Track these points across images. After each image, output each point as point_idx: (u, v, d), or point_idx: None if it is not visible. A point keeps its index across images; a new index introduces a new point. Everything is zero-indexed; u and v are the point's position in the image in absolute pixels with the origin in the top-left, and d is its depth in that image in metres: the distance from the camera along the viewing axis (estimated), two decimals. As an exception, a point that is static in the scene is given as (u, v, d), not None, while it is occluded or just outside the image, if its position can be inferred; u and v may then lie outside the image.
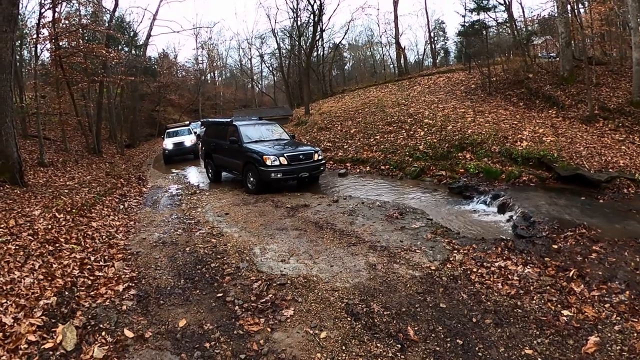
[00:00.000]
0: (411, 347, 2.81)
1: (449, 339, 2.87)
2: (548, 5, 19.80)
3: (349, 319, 3.17)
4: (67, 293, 3.53)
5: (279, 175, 8.36)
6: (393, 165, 10.13)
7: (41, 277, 3.69)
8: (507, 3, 17.27)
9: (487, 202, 7.19)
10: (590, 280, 3.76)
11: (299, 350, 2.82)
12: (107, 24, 15.70)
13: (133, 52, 24.53)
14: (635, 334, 2.85)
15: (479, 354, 2.75)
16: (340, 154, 11.91)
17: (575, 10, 13.99)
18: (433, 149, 10.08)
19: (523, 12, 28.61)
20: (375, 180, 9.67)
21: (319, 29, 23.73)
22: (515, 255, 4.46)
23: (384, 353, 2.78)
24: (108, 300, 3.56)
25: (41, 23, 11.63)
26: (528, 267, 4.11)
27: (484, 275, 3.96)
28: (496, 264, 4.19)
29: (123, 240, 5.59)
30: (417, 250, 4.62)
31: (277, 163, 8.33)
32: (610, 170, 7.92)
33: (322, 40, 29.58)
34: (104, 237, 5.56)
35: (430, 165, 9.64)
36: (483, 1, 15.44)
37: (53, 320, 3.02)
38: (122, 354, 2.79)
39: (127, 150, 19.82)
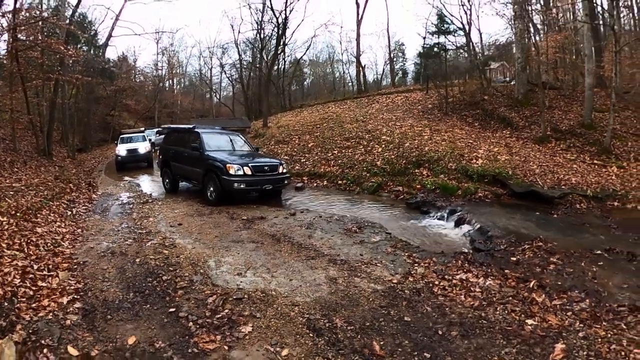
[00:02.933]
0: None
1: (416, 353, 2.82)
2: (507, 32, 21.24)
3: (311, 334, 3.07)
4: (6, 304, 3.18)
5: (242, 186, 8.00)
6: (350, 180, 10.29)
7: None
8: (467, 29, 18.33)
9: (444, 217, 7.35)
10: (550, 290, 3.86)
11: None
12: (68, 20, 14.44)
13: (92, 52, 22.91)
14: (599, 340, 2.93)
15: (449, 367, 2.63)
16: (297, 167, 11.83)
17: (532, 38, 15.03)
18: (390, 165, 10.27)
19: (481, 37, 30.64)
20: (333, 194, 9.81)
21: (281, 42, 23.65)
22: (475, 267, 4.55)
23: (351, 370, 2.60)
24: (51, 314, 3.23)
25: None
26: (489, 279, 4.19)
27: (447, 287, 3.98)
28: (457, 277, 4.24)
29: (69, 249, 5.16)
30: (378, 264, 4.61)
31: (240, 173, 7.97)
32: (563, 187, 8.36)
33: (284, 54, 29.93)
34: (49, 244, 5.11)
35: (388, 181, 9.83)
36: (444, 25, 16.13)
37: None
38: None
39: (79, 155, 18.51)
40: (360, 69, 28.70)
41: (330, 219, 6.82)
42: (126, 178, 13.21)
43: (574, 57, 16.48)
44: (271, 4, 23.13)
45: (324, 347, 2.89)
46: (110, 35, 23.97)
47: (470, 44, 19.02)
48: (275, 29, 22.70)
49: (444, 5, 25.28)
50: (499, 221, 6.55)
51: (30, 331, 2.87)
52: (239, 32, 34.50)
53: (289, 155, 13.19)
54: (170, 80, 39.97)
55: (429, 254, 5.04)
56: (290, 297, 3.67)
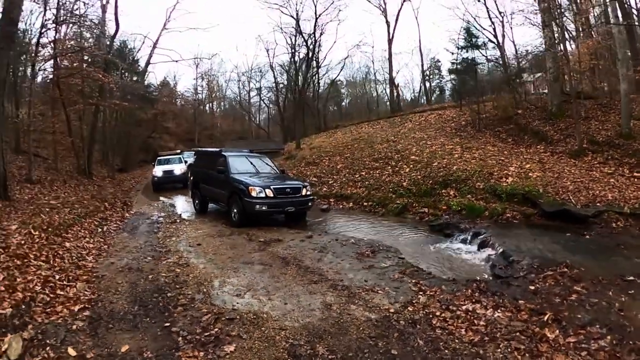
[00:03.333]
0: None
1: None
2: (537, 41, 20.16)
3: None
4: (23, 307, 3.63)
5: (263, 208, 8.24)
6: (376, 202, 10.34)
7: (2, 288, 3.80)
8: (498, 41, 17.91)
9: (467, 240, 7.11)
10: (567, 325, 3.56)
11: None
12: (107, 49, 16.05)
13: (132, 78, 25.06)
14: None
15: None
16: (325, 189, 11.99)
17: (561, 45, 14.44)
18: (416, 186, 10.17)
19: (515, 49, 29.16)
20: (357, 216, 9.79)
21: (313, 65, 24.48)
22: (486, 297, 4.29)
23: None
24: (61, 319, 3.65)
25: (41, 42, 11.93)
26: (499, 310, 3.96)
27: (448, 319, 3.81)
28: (463, 307, 4.04)
29: (92, 263, 5.66)
30: (380, 291, 4.55)
31: (262, 195, 8.22)
32: (598, 204, 7.89)
33: (318, 76, 31.16)
34: (74, 258, 5.63)
35: (413, 202, 9.70)
36: (472, 39, 15.89)
37: (3, 330, 3.15)
38: None
39: (119, 175, 20.08)
40: (394, 88, 28.89)
41: (346, 242, 6.85)
42: (161, 198, 14.12)
43: (609, 63, 15.47)
44: (299, 27, 24.14)
45: None
46: (148, 62, 26.81)
47: (504, 56, 18.49)
48: (307, 52, 23.43)
49: (474, 19, 24.71)
50: (525, 244, 6.23)
51: (39, 331, 3.29)
52: (274, 55, 36.14)
53: (317, 177, 13.49)
54: (210, 104, 42.37)
55: (438, 281, 4.87)
56: (280, 320, 3.77)
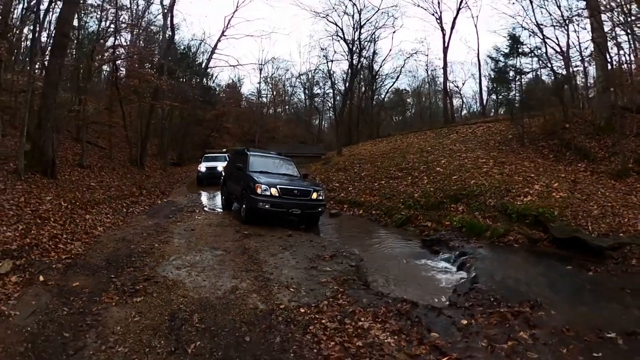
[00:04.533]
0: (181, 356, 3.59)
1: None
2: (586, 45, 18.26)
3: (166, 317, 4.23)
4: (26, 248, 5.63)
5: (266, 206, 8.71)
6: (383, 211, 11.00)
7: (18, 234, 5.92)
8: (561, 48, 16.90)
9: (451, 260, 7.23)
10: None
11: (113, 322, 4.07)
12: (164, 53, 18.99)
13: (199, 80, 28.38)
14: None
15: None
16: (342, 194, 12.98)
17: (611, 51, 13.43)
18: (426, 198, 10.67)
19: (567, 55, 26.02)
20: (359, 224, 10.53)
21: (364, 73, 25.24)
22: (397, 321, 4.31)
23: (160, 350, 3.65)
24: (48, 260, 5.52)
25: (97, 49, 14.76)
26: (396, 337, 3.97)
27: (329, 329, 4.08)
28: (359, 324, 4.19)
29: (99, 232, 7.66)
30: (292, 289, 5.20)
31: (267, 193, 8.76)
32: (622, 235, 7.30)
33: (374, 84, 32.66)
34: (86, 226, 7.69)
35: (419, 215, 10.19)
36: (517, 44, 15.42)
37: (5, 256, 5.09)
38: (26, 286, 4.64)
39: (172, 168, 23.28)
40: (448, 98, 28.59)
41: (317, 244, 7.63)
42: (200, 192, 16.39)
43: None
44: (343, 35, 25.72)
45: (164, 327, 4.00)
46: (207, 67, 31.10)
47: (550, 63, 17.28)
48: (357, 60, 24.66)
49: (537, 26, 23.23)
50: (506, 272, 6.02)
51: (28, 263, 5.15)
52: (332, 61, 37.85)
53: (340, 182, 14.63)
54: (274, 107, 45.45)
55: (365, 295, 5.07)
56: (188, 290, 4.95)
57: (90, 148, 14.70)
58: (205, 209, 11.86)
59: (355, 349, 3.70)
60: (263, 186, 8.77)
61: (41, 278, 4.82)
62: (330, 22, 26.87)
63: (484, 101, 31.94)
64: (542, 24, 16.59)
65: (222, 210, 11.59)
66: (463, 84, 42.09)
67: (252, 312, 4.38)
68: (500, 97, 18.65)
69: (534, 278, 5.81)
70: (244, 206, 9.28)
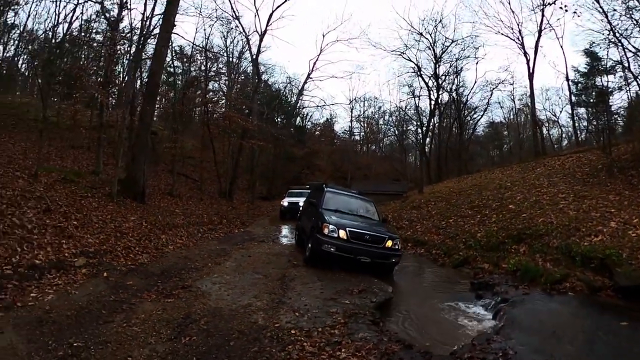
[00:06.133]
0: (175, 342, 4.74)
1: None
2: None
3: (181, 316, 5.33)
4: (101, 252, 7.68)
5: (331, 249, 8.31)
6: (444, 251, 11.27)
7: (97, 241, 8.02)
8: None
9: (490, 306, 7.08)
10: None
11: (141, 312, 5.40)
12: (252, 96, 21.90)
13: (286, 120, 31.54)
14: None
15: None
16: (408, 233, 13.34)
17: None
18: (488, 238, 10.54)
19: None
20: (415, 262, 10.76)
21: (437, 108, 25.12)
22: (375, 359, 4.47)
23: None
24: (115, 263, 7.44)
25: (189, 94, 17.99)
26: None
27: (305, 351, 4.47)
28: (337, 354, 4.48)
29: (168, 250, 9.58)
30: (297, 313, 5.75)
31: (334, 235, 8.36)
32: None
33: (460, 118, 32.89)
34: (159, 244, 9.69)
35: (477, 256, 10.22)
36: (595, 62, 14.05)
37: (82, 255, 7.10)
38: (91, 278, 6.34)
39: (260, 202, 25.73)
40: (537, 128, 26.46)
41: (355, 278, 7.90)
42: (280, 225, 17.98)
43: None
44: (419, 72, 26.40)
45: (175, 322, 5.08)
46: (295, 107, 33.18)
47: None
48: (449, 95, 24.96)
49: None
50: (539, 324, 5.72)
51: (98, 261, 7.05)
52: (418, 97, 38.14)
53: (410, 220, 15.05)
54: (367, 145, 47.08)
55: (369, 332, 5.23)
56: (210, 300, 6.10)
57: (182, 180, 17.72)
58: (275, 240, 13.15)
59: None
60: (331, 226, 8.45)
61: (105, 274, 6.63)
62: (405, 59, 27.68)
63: (576, 129, 29.19)
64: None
65: (290, 243, 12.52)
66: (561, 111, 38.86)
67: (249, 324, 5.20)
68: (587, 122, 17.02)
69: (572, 335, 5.42)
70: (309, 245, 9.07)
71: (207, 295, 6.22)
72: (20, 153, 13.09)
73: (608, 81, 14.19)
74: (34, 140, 14.56)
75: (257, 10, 29.42)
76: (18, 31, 26.26)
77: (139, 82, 19.66)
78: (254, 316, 5.50)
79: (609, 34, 13.67)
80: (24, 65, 29.08)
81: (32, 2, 22.13)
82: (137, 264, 7.69)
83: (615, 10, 15.67)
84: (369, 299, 6.74)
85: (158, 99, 21.25)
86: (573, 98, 26.39)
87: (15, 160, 11.81)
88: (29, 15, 27.73)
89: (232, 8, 43.24)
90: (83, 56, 22.56)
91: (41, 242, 6.89)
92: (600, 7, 16.09)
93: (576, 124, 29.83)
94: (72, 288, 5.78)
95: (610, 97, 14.91)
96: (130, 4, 17.52)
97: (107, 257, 7.44)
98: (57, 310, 5.00)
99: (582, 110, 25.40)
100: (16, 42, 27.46)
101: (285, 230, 16.19)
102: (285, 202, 20.63)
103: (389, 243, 8.65)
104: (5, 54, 28.37)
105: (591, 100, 14.85)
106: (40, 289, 5.54)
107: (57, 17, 21.10)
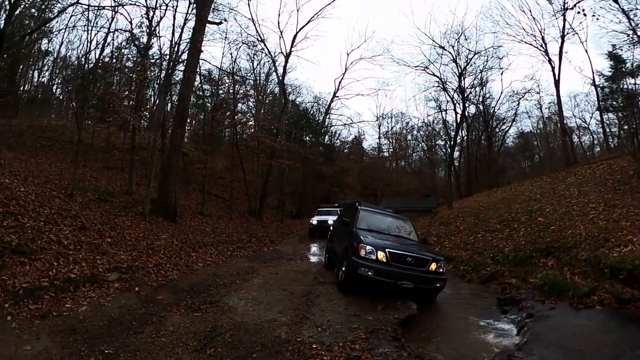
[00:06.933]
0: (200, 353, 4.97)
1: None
2: None
3: (208, 329, 5.55)
4: (134, 268, 8.00)
5: (369, 273, 7.50)
6: (471, 267, 11.24)
7: (130, 258, 8.43)
8: None
9: (515, 322, 7.05)
10: None
11: (170, 324, 5.68)
12: (278, 117, 22.67)
13: (314, 138, 32.22)
14: None
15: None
16: (437, 249, 13.18)
17: None
18: (516, 252, 10.35)
19: None
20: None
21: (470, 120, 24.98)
22: None
23: None
24: (148, 279, 7.78)
25: (218, 116, 18.92)
26: None
27: None
28: None
29: (199, 267, 9.89)
30: (319, 327, 5.88)
31: (372, 257, 7.60)
32: None
33: (488, 130, 32.74)
34: (189, 261, 10.05)
35: (505, 271, 9.99)
36: (620, 65, 13.49)
37: (115, 270, 7.46)
38: (124, 292, 6.69)
39: (290, 221, 26.09)
40: (566, 137, 25.57)
41: (377, 295, 7.78)
42: (309, 244, 18.04)
43: None
44: (443, 85, 26.50)
45: (202, 334, 5.30)
46: (322, 126, 33.49)
47: None
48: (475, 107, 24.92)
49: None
50: (563, 339, 5.66)
51: (130, 277, 7.37)
52: (446, 112, 38.07)
53: (438, 236, 14.97)
54: (396, 161, 46.99)
55: (387, 346, 5.37)
56: (236, 315, 6.30)
57: (213, 199, 18.34)
58: (303, 258, 13.30)
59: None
60: (368, 247, 7.69)
61: (136, 289, 6.98)
62: (429, 74, 27.76)
63: (607, 135, 28.02)
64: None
65: (319, 261, 12.55)
66: (591, 117, 37.78)
67: (273, 339, 5.40)
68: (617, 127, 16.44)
69: (596, 349, 5.31)
70: (343, 269, 8.24)
71: (234, 310, 6.43)
72: (56, 173, 13.92)
73: (635, 84, 13.77)
74: (70, 161, 15.45)
75: (281, 33, 30.41)
76: (52, 57, 28.55)
77: (169, 105, 20.90)
78: (277, 330, 5.69)
79: (633, 34, 13.24)
80: (58, 90, 31.34)
81: (65, 30, 23.54)
82: (168, 280, 8.03)
83: (637, 8, 15.25)
84: (392, 315, 6.79)
85: (188, 121, 22.58)
86: (601, 103, 25.78)
87: (52, 180, 12.50)
88: (61, 43, 30.10)
89: (257, 31, 44.90)
90: (115, 81, 23.98)
91: (76, 258, 7.29)
92: (621, 8, 15.77)
93: (606, 130, 29.15)
94: (105, 301, 6.15)
95: (639, 100, 14.43)
96: (158, 32, 18.75)
97: (139, 273, 7.80)
98: (90, 320, 5.35)
99: (611, 115, 24.93)
100: (50, 67, 29.86)
101: (314, 249, 16.33)
102: (314, 220, 20.88)
103: (433, 266, 7.91)
104: (40, 79, 30.88)
105: (619, 105, 14.33)
106: (75, 301, 5.93)
107: (89, 44, 22.80)
